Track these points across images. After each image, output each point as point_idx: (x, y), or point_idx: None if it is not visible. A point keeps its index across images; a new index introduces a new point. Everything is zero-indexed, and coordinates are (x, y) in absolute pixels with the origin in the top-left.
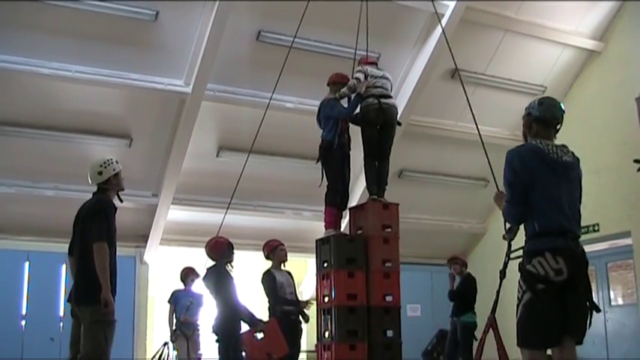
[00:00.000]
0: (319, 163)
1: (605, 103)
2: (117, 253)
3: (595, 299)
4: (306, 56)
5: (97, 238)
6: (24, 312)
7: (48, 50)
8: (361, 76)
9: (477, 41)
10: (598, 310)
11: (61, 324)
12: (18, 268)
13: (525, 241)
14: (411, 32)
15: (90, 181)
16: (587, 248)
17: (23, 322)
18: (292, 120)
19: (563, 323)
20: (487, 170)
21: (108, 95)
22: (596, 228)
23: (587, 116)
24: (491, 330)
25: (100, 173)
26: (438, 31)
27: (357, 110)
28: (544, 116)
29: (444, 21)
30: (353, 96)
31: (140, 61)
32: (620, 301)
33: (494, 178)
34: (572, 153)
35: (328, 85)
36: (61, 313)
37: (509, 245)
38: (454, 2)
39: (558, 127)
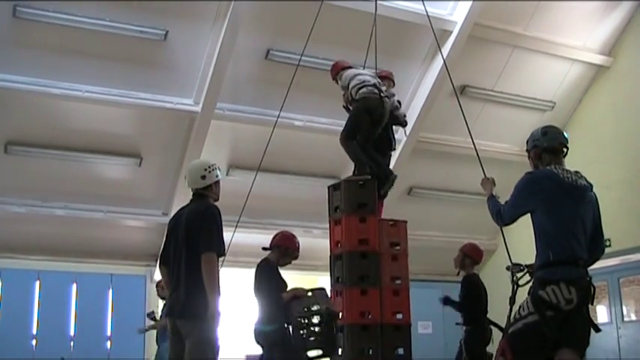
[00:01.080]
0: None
1: (615, 118)
2: (127, 273)
3: (607, 315)
4: (314, 74)
5: (207, 249)
6: (34, 331)
7: (58, 70)
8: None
9: (485, 57)
10: (597, 330)
11: (72, 343)
12: (28, 287)
13: (537, 267)
14: (420, 49)
15: (188, 184)
16: (599, 264)
17: (34, 342)
18: (301, 138)
19: (561, 339)
20: (497, 187)
21: (118, 115)
22: (607, 243)
23: (597, 131)
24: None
25: (204, 177)
26: (447, 47)
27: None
28: (552, 145)
29: (451, 38)
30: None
31: (150, 80)
32: (634, 317)
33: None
34: (586, 179)
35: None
36: (72, 332)
37: (515, 275)
38: (461, 20)
39: (565, 151)
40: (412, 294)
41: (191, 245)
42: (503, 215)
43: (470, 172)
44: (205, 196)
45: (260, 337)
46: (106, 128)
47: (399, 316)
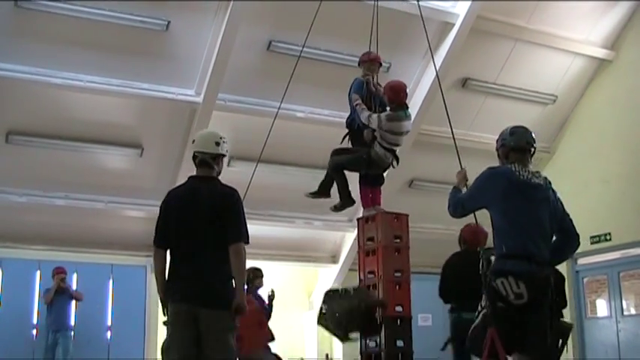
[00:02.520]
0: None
1: (616, 112)
2: (127, 263)
3: (607, 309)
4: (316, 66)
5: (239, 238)
6: (35, 321)
7: (59, 60)
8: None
9: (487, 50)
10: (565, 335)
11: (72, 333)
12: (29, 277)
13: (494, 260)
14: (422, 42)
15: (198, 148)
16: (599, 257)
17: (34, 332)
18: (303, 129)
19: (522, 340)
20: None
21: (119, 105)
22: (607, 237)
23: (599, 125)
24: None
25: (217, 144)
26: (449, 40)
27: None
28: (519, 144)
29: (454, 30)
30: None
31: (151, 70)
32: (633, 311)
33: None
34: (545, 178)
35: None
36: (72, 323)
37: (489, 262)
38: (464, 13)
39: (533, 150)
40: (412, 286)
41: (216, 232)
42: (457, 206)
43: (470, 165)
44: (212, 167)
45: (457, 324)
46: (107, 118)
47: (399, 308)
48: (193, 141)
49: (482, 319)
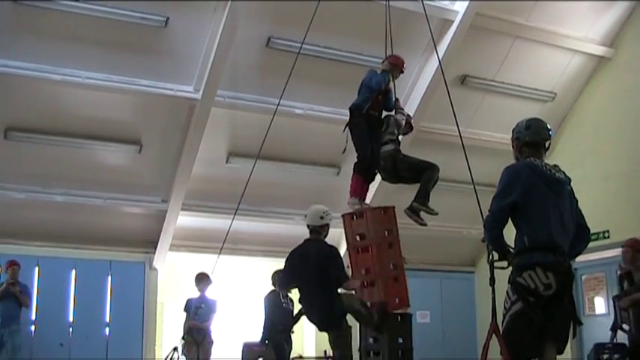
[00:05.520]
0: (346, 130)
1: (615, 110)
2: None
3: (605, 306)
4: (315, 62)
5: (346, 278)
6: (33, 317)
7: (59, 56)
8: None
9: (486, 47)
10: (580, 324)
11: (70, 329)
12: (28, 273)
13: (515, 255)
14: (421, 38)
15: (306, 220)
16: (598, 255)
17: (33, 328)
18: (302, 126)
19: (546, 333)
20: (497, 176)
21: (118, 101)
22: (606, 235)
23: (597, 123)
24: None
25: (322, 218)
26: (448, 37)
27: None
28: (534, 139)
29: (453, 27)
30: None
31: (150, 67)
32: None
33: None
34: (564, 173)
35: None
36: (70, 319)
37: (491, 255)
38: (463, 10)
39: (547, 145)
40: (410, 284)
41: (322, 278)
42: (490, 211)
43: (470, 162)
44: (320, 233)
45: None
46: (107, 115)
47: (397, 300)
48: (305, 216)
49: None
